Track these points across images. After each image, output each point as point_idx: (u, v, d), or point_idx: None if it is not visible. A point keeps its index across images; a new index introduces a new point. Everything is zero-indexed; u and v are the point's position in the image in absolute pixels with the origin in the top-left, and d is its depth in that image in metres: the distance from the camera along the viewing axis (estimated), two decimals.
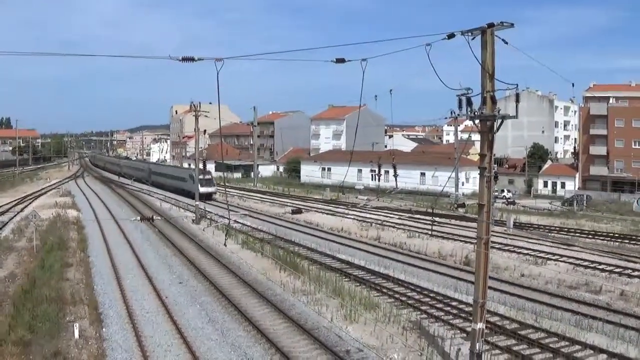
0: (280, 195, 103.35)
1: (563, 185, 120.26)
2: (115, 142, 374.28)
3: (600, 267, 40.73)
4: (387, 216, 72.11)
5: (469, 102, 19.06)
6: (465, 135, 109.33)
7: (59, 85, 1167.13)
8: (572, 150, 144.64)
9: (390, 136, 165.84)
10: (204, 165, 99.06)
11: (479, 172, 19.93)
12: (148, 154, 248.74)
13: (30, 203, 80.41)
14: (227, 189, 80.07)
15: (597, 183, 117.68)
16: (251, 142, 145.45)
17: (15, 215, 65.23)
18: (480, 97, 19.18)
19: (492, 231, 22.27)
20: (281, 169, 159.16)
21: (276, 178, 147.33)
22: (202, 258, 43.04)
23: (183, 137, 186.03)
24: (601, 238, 57.15)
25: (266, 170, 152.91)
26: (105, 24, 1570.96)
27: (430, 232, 55.74)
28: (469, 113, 19.19)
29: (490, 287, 23.72)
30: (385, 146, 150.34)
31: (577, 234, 59.15)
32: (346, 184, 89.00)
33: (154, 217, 59.53)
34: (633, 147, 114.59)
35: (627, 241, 54.86)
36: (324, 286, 33.61)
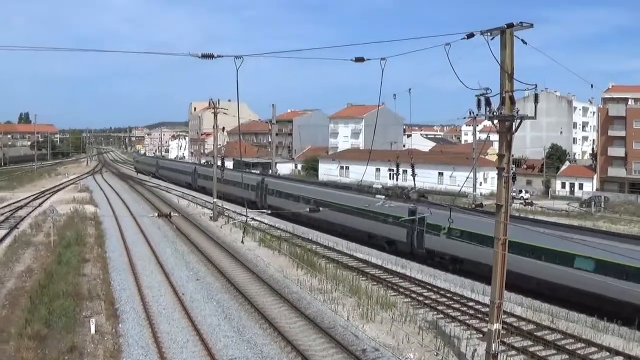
0: None
1: (581, 186, 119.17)
2: (134, 139, 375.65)
3: None
4: None
5: (488, 102, 18.99)
6: (483, 136, 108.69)
7: (77, 82, 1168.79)
8: (590, 152, 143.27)
9: (409, 135, 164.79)
10: (222, 163, 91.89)
11: (497, 172, 19.85)
12: (167, 151, 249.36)
13: (48, 198, 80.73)
14: None
15: (615, 185, 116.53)
16: (269, 140, 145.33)
17: (33, 210, 65.67)
18: (499, 97, 19.10)
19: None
20: (299, 167, 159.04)
21: (294, 176, 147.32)
22: (219, 255, 43.14)
23: (201, 134, 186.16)
24: None
25: (284, 168, 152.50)
26: (123, 21, 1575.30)
27: None
28: (488, 113, 19.11)
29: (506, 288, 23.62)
30: (404, 145, 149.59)
31: None
32: (364, 183, 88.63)
33: (172, 213, 59.68)
34: None
35: None
36: (341, 285, 33.62)
